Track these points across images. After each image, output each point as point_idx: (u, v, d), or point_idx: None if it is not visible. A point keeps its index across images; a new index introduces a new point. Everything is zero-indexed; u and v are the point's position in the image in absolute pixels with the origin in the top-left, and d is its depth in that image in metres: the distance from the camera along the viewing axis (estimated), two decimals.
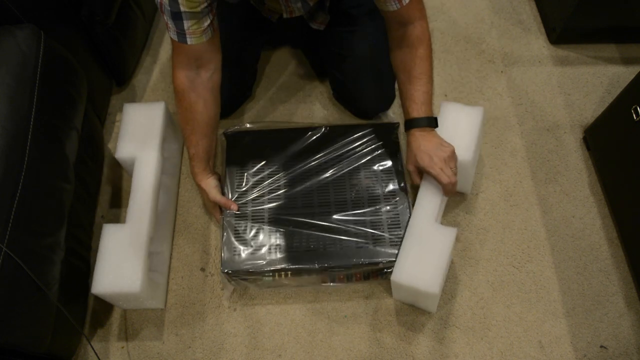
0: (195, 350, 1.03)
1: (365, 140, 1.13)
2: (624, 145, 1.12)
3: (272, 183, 1.08)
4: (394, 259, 0.98)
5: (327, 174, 1.09)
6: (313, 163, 1.10)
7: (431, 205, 1.01)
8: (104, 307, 1.07)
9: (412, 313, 1.06)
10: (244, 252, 1.01)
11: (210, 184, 1.06)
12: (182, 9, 0.87)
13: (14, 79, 0.88)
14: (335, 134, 1.14)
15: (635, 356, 1.02)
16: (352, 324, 1.05)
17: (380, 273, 1.03)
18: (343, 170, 1.09)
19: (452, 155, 1.00)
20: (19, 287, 0.80)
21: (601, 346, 1.03)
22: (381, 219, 1.03)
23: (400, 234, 1.01)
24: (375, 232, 1.02)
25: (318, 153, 1.11)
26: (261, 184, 1.08)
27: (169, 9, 0.87)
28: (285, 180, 1.08)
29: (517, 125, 1.30)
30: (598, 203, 1.19)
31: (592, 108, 1.32)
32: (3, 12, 0.96)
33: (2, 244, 0.77)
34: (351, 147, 1.12)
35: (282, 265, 1.00)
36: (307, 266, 1.00)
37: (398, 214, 1.04)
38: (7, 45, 0.91)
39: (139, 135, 1.08)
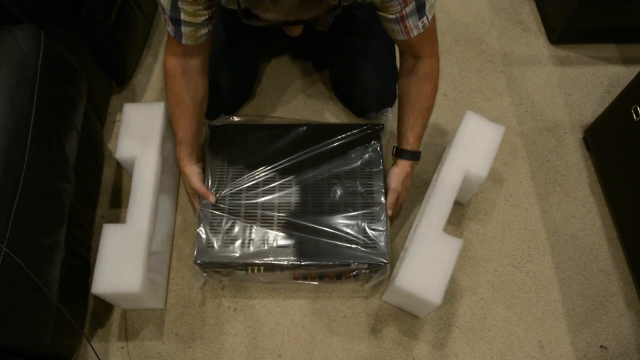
0: (195, 350, 1.03)
1: (349, 139, 1.12)
2: (624, 145, 1.12)
3: (252, 178, 1.07)
4: (366, 262, 0.98)
5: (308, 172, 1.08)
6: (295, 160, 1.10)
7: (439, 214, 1.00)
8: (104, 307, 1.07)
9: (412, 313, 1.06)
10: (217, 244, 1.01)
11: (193, 171, 1.06)
12: (183, 17, 0.88)
13: (14, 79, 0.88)
14: (320, 132, 1.13)
15: (635, 356, 1.02)
16: (352, 324, 1.05)
17: (352, 274, 1.03)
18: (323, 169, 1.09)
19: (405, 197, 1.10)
20: (19, 287, 0.80)
21: (601, 346, 1.03)
22: (357, 220, 1.03)
23: (374, 236, 1.01)
24: (350, 232, 1.02)
25: (301, 151, 1.11)
26: (241, 177, 1.08)
27: (169, 14, 0.88)
28: (265, 176, 1.08)
29: (517, 125, 1.30)
30: (598, 203, 1.19)
31: (592, 108, 1.32)
32: (3, 12, 0.96)
33: (2, 244, 0.77)
34: (334, 146, 1.12)
35: (254, 260, 0.99)
36: (279, 262, 0.99)
37: (374, 216, 1.03)
38: (7, 45, 0.91)
39: (139, 135, 1.08)
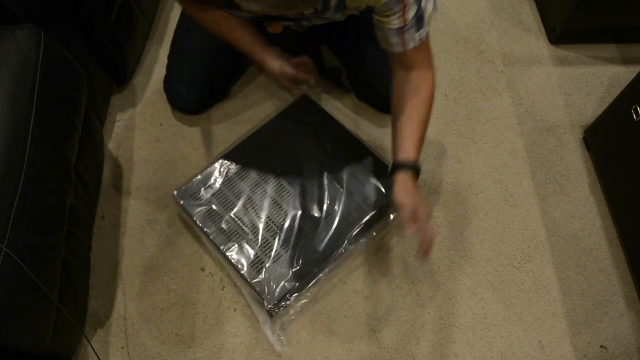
0: (195, 350, 1.03)
1: (291, 116, 1.19)
2: (624, 145, 1.12)
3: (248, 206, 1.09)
4: (374, 208, 1.06)
5: (292, 178, 1.11)
6: (274, 173, 1.12)
7: None
8: (104, 307, 1.07)
9: (412, 313, 1.06)
10: (277, 283, 1.01)
11: (282, 55, 1.06)
12: None
13: (14, 79, 0.88)
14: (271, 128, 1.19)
15: (635, 356, 1.02)
16: (352, 324, 1.05)
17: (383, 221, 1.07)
18: (296, 164, 1.13)
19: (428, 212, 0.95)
20: (19, 287, 0.80)
21: (601, 346, 1.03)
22: (347, 188, 1.09)
23: (368, 187, 1.08)
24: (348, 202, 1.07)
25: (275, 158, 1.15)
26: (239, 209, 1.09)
27: None
28: (259, 197, 1.09)
29: (517, 125, 1.30)
30: (598, 203, 1.19)
31: (592, 108, 1.32)
32: (3, 12, 0.96)
33: (2, 244, 0.76)
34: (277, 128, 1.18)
35: (316, 277, 1.02)
36: (334, 263, 1.03)
37: (358, 174, 1.10)
38: (7, 45, 0.91)
39: None
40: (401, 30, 0.88)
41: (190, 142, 1.27)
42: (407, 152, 0.94)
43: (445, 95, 1.34)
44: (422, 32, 0.89)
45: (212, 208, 1.07)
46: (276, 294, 0.98)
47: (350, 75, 1.30)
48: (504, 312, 1.06)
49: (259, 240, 1.04)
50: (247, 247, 1.03)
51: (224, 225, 1.05)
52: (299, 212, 1.06)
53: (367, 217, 1.06)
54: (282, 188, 1.09)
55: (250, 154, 1.14)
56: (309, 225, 1.05)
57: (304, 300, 1.02)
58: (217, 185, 1.10)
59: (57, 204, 0.92)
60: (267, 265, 1.01)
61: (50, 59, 0.96)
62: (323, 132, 1.16)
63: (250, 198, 1.08)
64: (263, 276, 1.00)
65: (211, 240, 1.04)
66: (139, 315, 1.07)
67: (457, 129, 1.29)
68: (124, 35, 1.28)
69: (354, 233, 1.04)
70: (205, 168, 1.13)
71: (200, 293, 1.09)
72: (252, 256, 1.02)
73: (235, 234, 1.04)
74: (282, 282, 0.99)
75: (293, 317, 1.03)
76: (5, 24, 0.95)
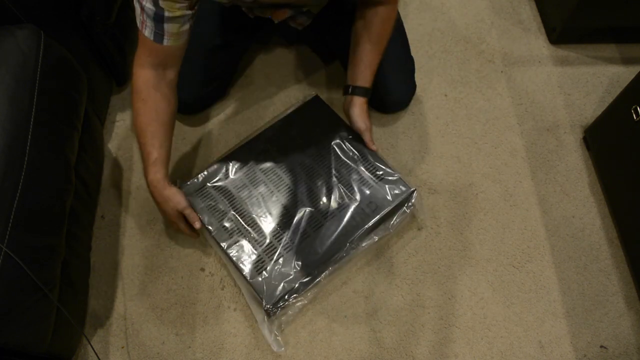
0: (195, 350, 1.03)
1: (301, 120, 1.18)
2: (624, 145, 1.12)
3: (259, 200, 1.08)
4: (395, 200, 1.06)
5: (298, 177, 1.10)
6: (280, 172, 1.11)
7: None
8: (104, 307, 1.07)
9: (412, 313, 1.06)
10: (277, 283, 1.00)
11: (176, 192, 1.00)
12: (167, 14, 0.87)
13: (14, 79, 0.88)
14: (279, 129, 1.18)
15: (635, 356, 1.02)
16: (352, 324, 1.05)
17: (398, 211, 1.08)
18: (303, 163, 1.12)
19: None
20: (19, 287, 0.80)
21: (601, 346, 1.03)
22: (365, 182, 1.09)
23: (385, 180, 1.08)
24: (367, 192, 1.07)
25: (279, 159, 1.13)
26: (247, 208, 1.07)
27: (152, 9, 0.87)
28: (270, 194, 1.08)
29: (517, 125, 1.30)
30: (598, 203, 1.19)
31: (592, 108, 1.32)
32: (3, 12, 0.96)
33: (2, 244, 0.77)
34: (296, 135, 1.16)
35: (317, 279, 1.01)
36: (339, 255, 1.02)
37: (375, 167, 1.10)
38: (7, 45, 0.91)
39: None
40: None
41: (190, 142, 1.27)
42: (366, 79, 1.07)
43: (445, 95, 1.34)
44: None
45: (216, 205, 1.07)
46: (275, 294, 0.98)
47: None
48: (504, 312, 1.06)
49: (261, 239, 1.04)
50: (249, 245, 1.03)
51: (227, 223, 1.05)
52: (303, 214, 1.06)
53: (371, 223, 1.05)
54: (288, 188, 1.09)
55: (258, 153, 1.13)
56: (311, 227, 1.05)
57: (303, 301, 1.02)
58: (223, 182, 1.10)
59: (57, 204, 0.92)
60: (267, 264, 1.01)
61: (50, 59, 0.96)
62: (332, 134, 1.15)
63: (255, 197, 1.08)
64: (263, 275, 1.00)
65: (213, 237, 1.04)
66: (139, 315, 1.07)
67: (457, 129, 1.29)
68: (124, 35, 1.28)
69: (356, 237, 1.03)
70: (212, 164, 1.13)
71: (200, 293, 1.09)
72: (253, 255, 1.02)
73: (238, 232, 1.04)
74: (282, 283, 0.99)
75: (292, 317, 1.03)
76: (5, 24, 0.95)
